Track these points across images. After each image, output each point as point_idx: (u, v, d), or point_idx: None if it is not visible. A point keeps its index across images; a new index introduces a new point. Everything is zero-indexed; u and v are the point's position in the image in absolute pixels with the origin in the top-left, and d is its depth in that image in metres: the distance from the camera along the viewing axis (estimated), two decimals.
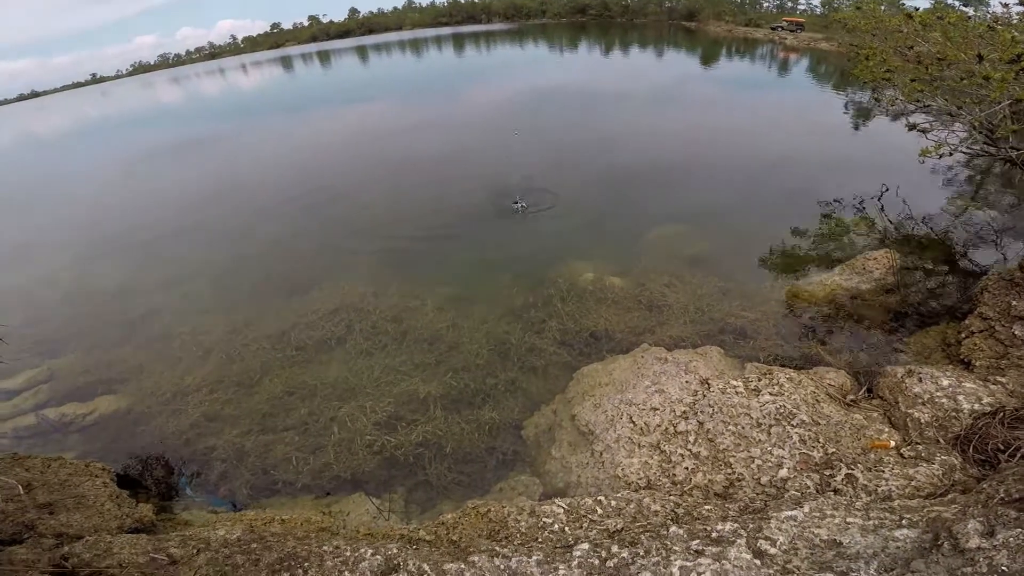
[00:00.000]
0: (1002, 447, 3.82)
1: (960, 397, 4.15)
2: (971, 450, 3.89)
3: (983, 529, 2.59)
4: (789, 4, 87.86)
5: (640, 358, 5.41)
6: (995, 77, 6.65)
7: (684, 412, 4.50)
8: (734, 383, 4.70)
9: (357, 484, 4.81)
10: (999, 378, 4.36)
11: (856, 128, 15.96)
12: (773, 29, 63.44)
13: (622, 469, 4.16)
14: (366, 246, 9.66)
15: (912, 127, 8.95)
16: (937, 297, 6.56)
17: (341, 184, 13.60)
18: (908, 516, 2.99)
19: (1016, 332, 4.82)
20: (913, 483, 3.55)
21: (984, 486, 3.27)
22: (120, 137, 30.57)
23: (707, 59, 39.39)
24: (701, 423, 4.35)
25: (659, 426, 4.43)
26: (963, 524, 2.65)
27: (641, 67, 34.84)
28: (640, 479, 4.06)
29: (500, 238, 9.36)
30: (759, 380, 4.71)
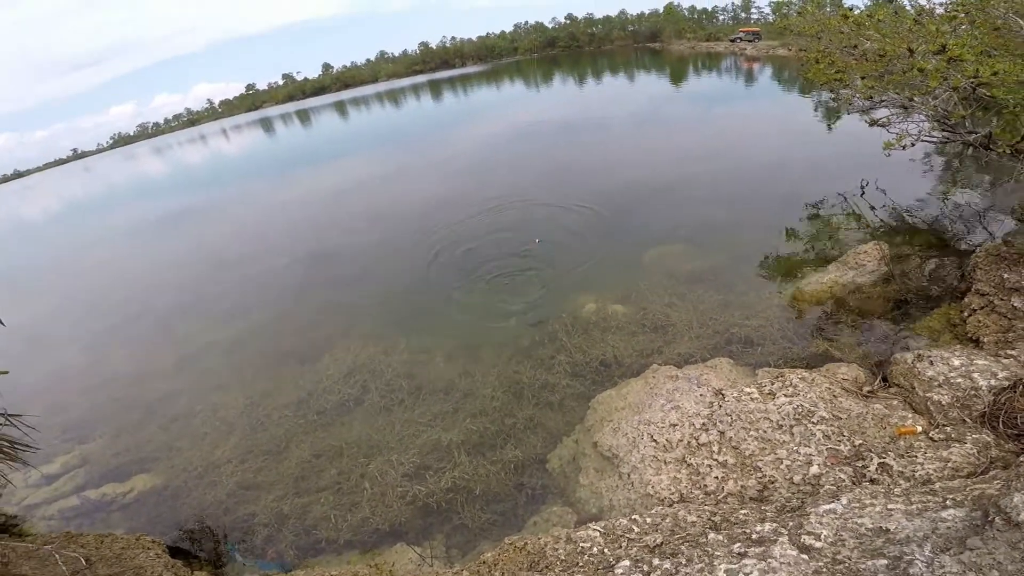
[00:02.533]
0: None
1: (975, 375, 4.20)
2: (1000, 425, 3.92)
3: None
4: (743, 15, 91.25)
5: (652, 378, 5.49)
6: (928, 68, 6.92)
7: (703, 424, 4.53)
8: (748, 390, 4.76)
9: (397, 535, 4.81)
10: (1010, 351, 4.42)
11: (829, 128, 16.41)
12: (732, 41, 65.86)
13: (652, 487, 4.16)
14: (368, 305, 9.79)
15: (873, 123, 9.17)
16: (934, 280, 6.68)
17: (334, 243, 13.79)
18: (952, 496, 3.01)
19: (1016, 304, 4.92)
20: (950, 464, 3.56)
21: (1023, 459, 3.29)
22: (109, 214, 30.92)
23: (676, 78, 40.82)
24: (722, 432, 4.37)
25: (681, 441, 4.46)
26: (1009, 498, 2.67)
27: (615, 93, 36.26)
28: (672, 494, 4.05)
29: (497, 286, 9.42)
30: (772, 384, 4.77)
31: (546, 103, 36.62)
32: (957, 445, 3.73)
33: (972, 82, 6.67)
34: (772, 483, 3.84)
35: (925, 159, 11.33)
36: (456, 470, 5.31)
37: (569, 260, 9.70)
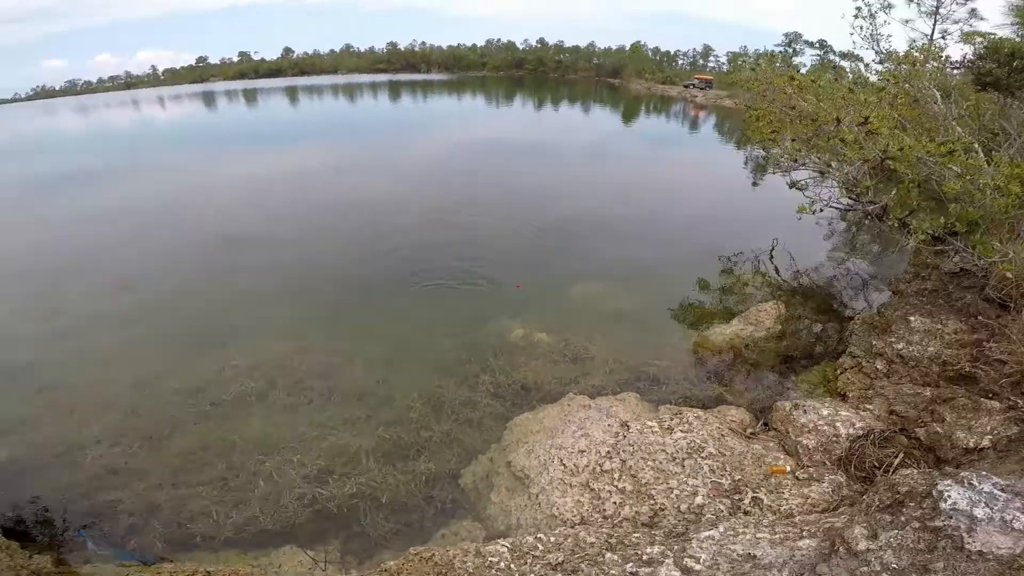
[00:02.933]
0: (876, 464, 4.50)
1: (838, 424, 4.84)
2: (852, 468, 4.54)
3: (868, 533, 3.11)
4: (700, 61, 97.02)
5: (567, 406, 5.81)
6: (848, 139, 7.84)
7: (608, 452, 4.86)
8: (650, 424, 5.17)
9: (287, 537, 4.63)
10: (868, 406, 5.14)
11: (754, 184, 17.94)
12: (686, 87, 69.68)
13: (558, 508, 4.39)
14: (288, 298, 9.40)
15: (793, 184, 10.19)
16: (818, 341, 7.67)
17: (261, 230, 13.08)
18: (808, 528, 3.48)
19: (879, 366, 5.73)
20: (809, 500, 4.09)
21: (865, 498, 3.85)
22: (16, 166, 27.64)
23: (628, 116, 43.08)
24: (624, 461, 4.73)
25: (587, 466, 4.76)
26: (851, 530, 3.16)
27: (571, 123, 37.66)
28: (575, 516, 4.31)
29: (428, 297, 9.45)
30: (671, 420, 5.22)
31: (504, 122, 37.25)
32: (816, 484, 4.27)
33: (881, 154, 7.62)
34: (662, 510, 4.21)
35: (830, 223, 12.73)
36: (363, 476, 5.22)
37: (505, 283, 9.92)
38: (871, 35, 11.04)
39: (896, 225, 7.87)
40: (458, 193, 16.26)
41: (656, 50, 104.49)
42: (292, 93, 73.70)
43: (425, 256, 11.13)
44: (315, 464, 5.43)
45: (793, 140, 9.44)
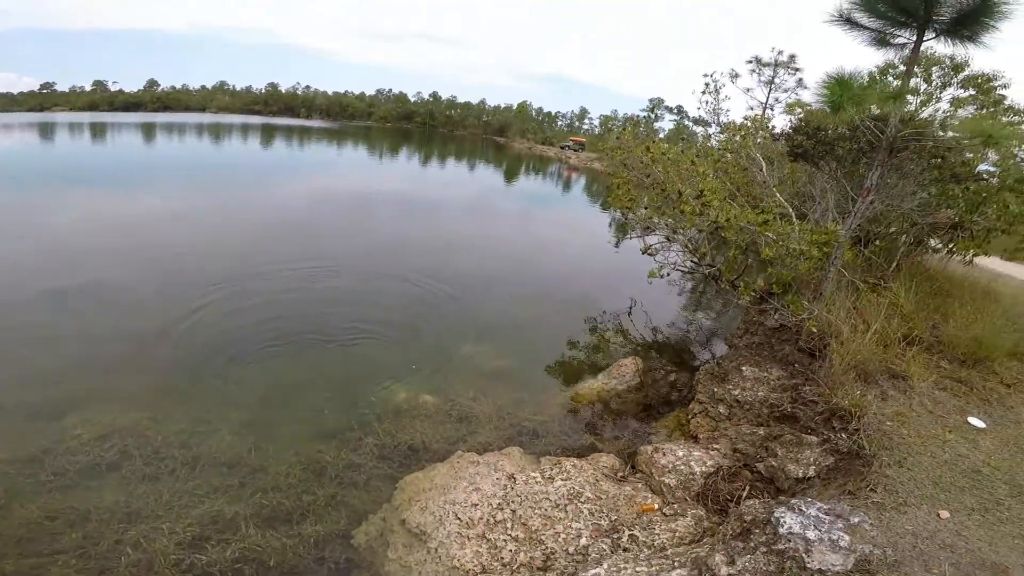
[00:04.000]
0: (728, 497, 5.23)
1: (692, 463, 5.60)
2: (709, 502, 5.22)
3: (727, 559, 3.63)
4: (577, 123, 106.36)
5: (456, 463, 5.98)
6: (686, 211, 9.19)
7: (499, 504, 5.10)
8: (533, 474, 5.58)
9: None
10: (715, 445, 6.02)
11: (616, 246, 20.01)
12: (562, 148, 75.73)
13: (458, 560, 4.52)
14: (133, 361, 8.32)
15: (645, 250, 11.46)
16: (673, 389, 8.88)
17: (83, 282, 11.25)
18: (678, 559, 3.98)
19: (721, 410, 6.80)
20: (677, 534, 4.66)
21: (721, 528, 4.47)
22: None
23: (509, 174, 45.64)
24: (514, 511, 4.98)
25: (481, 518, 4.93)
26: (713, 558, 3.67)
27: (455, 179, 38.98)
28: (475, 566, 4.46)
29: (302, 359, 8.96)
30: (552, 469, 5.67)
31: (387, 174, 37.26)
32: (682, 518, 4.88)
33: (713, 223, 9.02)
34: (553, 554, 4.53)
35: (680, 282, 14.68)
36: (244, 542, 4.84)
37: (384, 347, 9.75)
38: (713, 109, 13.34)
39: (728, 286, 9.42)
40: (340, 246, 15.88)
41: (540, 110, 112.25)
42: (148, 130, 65.47)
43: (295, 315, 10.58)
44: (188, 532, 4.90)
45: (646, 208, 10.86)
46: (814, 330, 7.06)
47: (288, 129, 79.00)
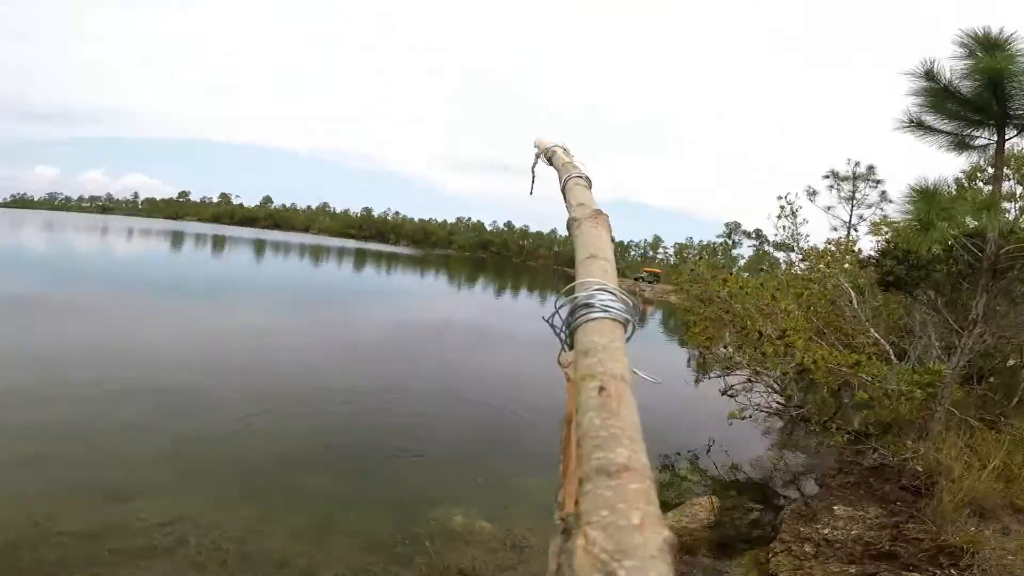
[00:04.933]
0: None
1: None
2: None
3: None
4: (651, 252, 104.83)
5: None
6: (768, 352, 8.72)
7: None
8: None
9: None
10: None
11: (696, 383, 18.86)
12: (635, 280, 75.06)
13: None
14: (210, 463, 8.69)
15: (726, 390, 10.73)
16: (754, 528, 8.04)
17: (182, 383, 12.33)
18: None
19: (807, 549, 6.13)
20: None
21: None
22: None
23: None
24: None
25: None
26: None
27: (527, 310, 39.80)
28: None
29: (368, 473, 9.03)
30: None
31: (464, 304, 39.07)
32: None
33: (798, 366, 8.46)
34: None
35: (766, 421, 13.43)
36: None
37: (444, 466, 9.64)
38: (792, 234, 12.66)
39: (819, 428, 8.58)
40: (418, 369, 16.50)
41: (611, 239, 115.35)
42: (260, 248, 75.42)
43: (361, 431, 10.90)
44: None
45: (727, 347, 10.33)
46: (919, 469, 6.22)
47: (378, 255, 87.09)
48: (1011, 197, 7.73)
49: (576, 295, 0.52)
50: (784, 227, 12.56)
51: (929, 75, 5.82)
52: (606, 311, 0.47)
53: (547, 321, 0.59)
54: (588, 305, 0.49)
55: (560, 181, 1.01)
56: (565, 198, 0.93)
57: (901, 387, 6.86)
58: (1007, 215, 7.31)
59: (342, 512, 7.50)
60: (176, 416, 10.35)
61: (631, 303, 0.49)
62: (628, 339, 0.51)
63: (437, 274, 66.13)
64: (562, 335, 0.55)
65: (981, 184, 8.02)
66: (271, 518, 7.01)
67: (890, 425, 7.34)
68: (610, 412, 0.37)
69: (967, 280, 7.85)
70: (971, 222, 6.13)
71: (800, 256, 13.04)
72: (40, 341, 14.43)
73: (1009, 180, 7.55)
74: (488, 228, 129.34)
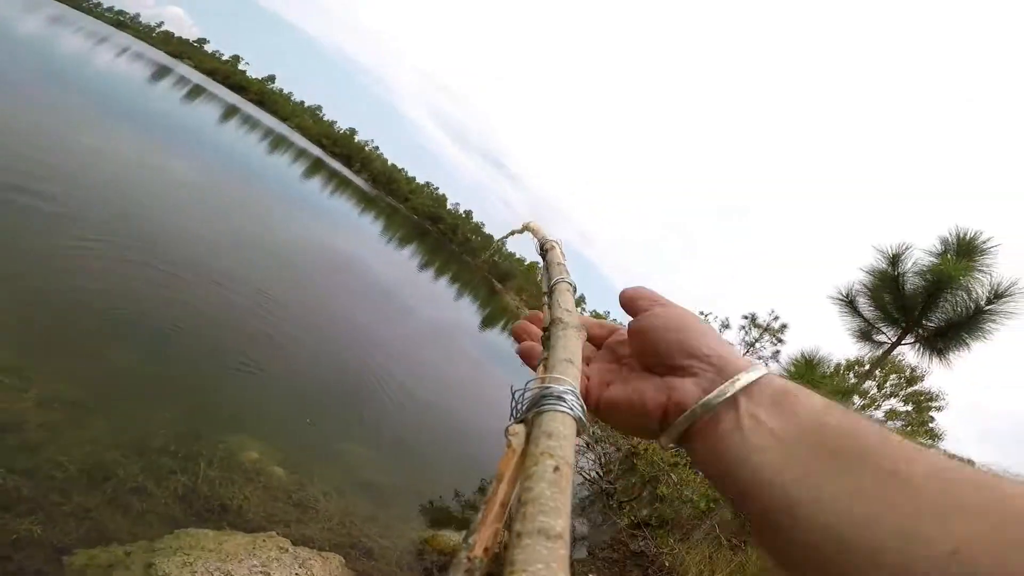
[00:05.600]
0: None
1: None
2: None
3: None
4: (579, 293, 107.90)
5: (261, 541, 5.17)
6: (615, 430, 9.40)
7: None
8: None
9: None
10: None
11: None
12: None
13: None
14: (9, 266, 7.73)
15: None
16: None
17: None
18: None
19: None
20: None
21: None
22: None
23: (487, 322, 45.66)
24: None
25: None
26: None
27: (437, 297, 39.48)
28: None
29: (180, 367, 8.13)
30: None
31: (381, 263, 37.62)
32: None
33: (632, 448, 9.25)
34: None
35: (580, 484, 13.81)
36: None
37: (282, 400, 9.04)
38: None
39: (616, 505, 9.36)
40: (309, 296, 15.94)
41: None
42: (228, 114, 70.40)
43: (217, 319, 10.32)
44: None
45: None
46: (667, 564, 7.05)
47: (333, 174, 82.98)
48: (864, 393, 9.12)
49: (550, 387, 0.58)
50: None
51: (894, 260, 6.51)
52: (572, 410, 0.55)
53: (512, 393, 0.64)
54: (560, 399, 0.56)
55: (549, 279, 1.08)
56: (551, 297, 1.00)
57: (694, 496, 7.73)
58: (853, 405, 8.62)
59: (123, 398, 6.58)
60: (17, 216, 8.67)
61: (585, 410, 0.57)
62: (579, 437, 0.56)
63: (375, 220, 64.07)
64: (519, 410, 0.60)
65: (852, 376, 9.15)
66: (30, 373, 5.93)
67: (667, 522, 8.28)
68: (559, 489, 0.44)
69: None
70: None
71: None
72: None
73: (874, 380, 8.90)
74: (449, 207, 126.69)
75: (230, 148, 38.83)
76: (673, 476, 8.56)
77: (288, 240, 20.88)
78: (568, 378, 0.64)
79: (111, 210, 11.74)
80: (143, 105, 34.58)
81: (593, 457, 11.12)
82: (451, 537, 7.81)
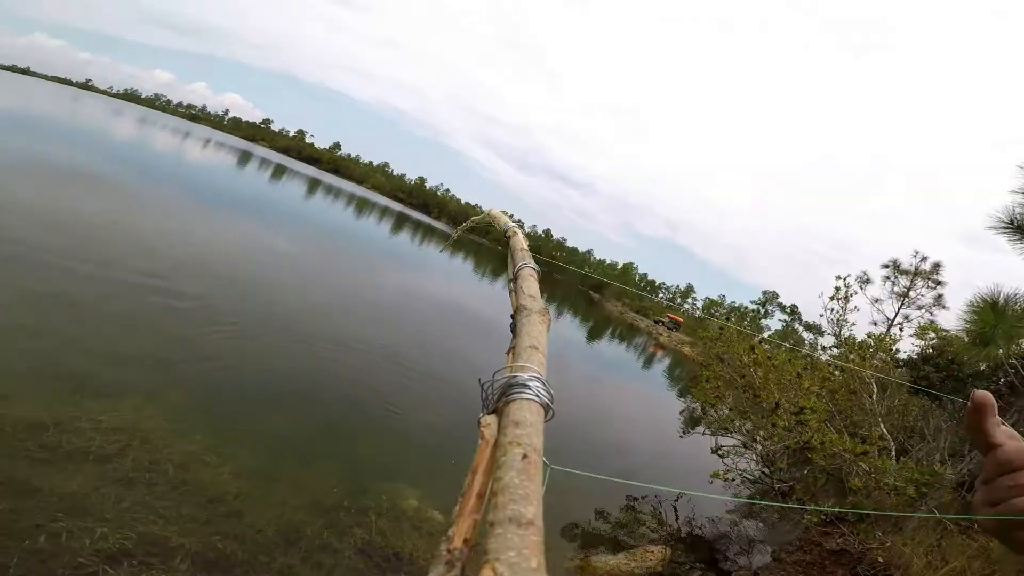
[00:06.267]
0: None
1: None
2: None
3: None
4: (679, 300, 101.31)
5: None
6: (779, 425, 8.38)
7: None
8: None
9: None
10: None
11: (682, 435, 18.04)
12: (656, 322, 72.73)
13: None
14: (181, 366, 8.55)
15: (716, 449, 10.49)
16: None
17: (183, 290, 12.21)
18: None
19: None
20: None
21: None
22: None
23: (593, 335, 44.93)
24: None
25: None
26: None
27: (558, 332, 38.89)
28: None
29: (334, 426, 8.77)
30: None
31: (483, 294, 38.04)
32: None
33: (803, 443, 8.11)
34: None
35: (740, 483, 12.88)
36: (166, 573, 4.45)
37: (418, 443, 9.40)
38: (838, 319, 11.91)
39: (797, 504, 8.26)
40: (427, 343, 16.63)
41: (644, 276, 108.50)
42: (312, 187, 78.11)
43: (350, 380, 10.88)
44: (117, 544, 4.55)
45: (731, 409, 9.97)
46: (880, 559, 6.21)
47: (416, 224, 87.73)
48: None
49: (516, 375, 0.59)
50: (833, 309, 11.76)
51: None
52: (538, 397, 0.55)
53: (481, 385, 0.65)
54: (525, 386, 0.57)
55: (514, 265, 1.02)
56: (515, 284, 0.94)
57: (898, 482, 6.51)
58: None
59: (296, 462, 7.25)
60: (167, 319, 10.05)
61: (552, 394, 0.58)
62: (547, 421, 0.57)
63: (465, 259, 65.83)
64: (489, 401, 0.61)
65: None
66: (222, 451, 6.70)
67: (866, 515, 7.04)
68: (527, 476, 0.45)
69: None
70: None
71: (836, 342, 12.26)
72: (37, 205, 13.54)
73: None
74: (527, 231, 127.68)
75: (324, 218, 42.80)
76: (864, 465, 7.27)
77: (396, 294, 22.40)
78: (533, 364, 0.66)
79: (237, 292, 13.24)
80: (241, 190, 39.48)
81: (754, 457, 10.08)
82: (608, 560, 7.70)
